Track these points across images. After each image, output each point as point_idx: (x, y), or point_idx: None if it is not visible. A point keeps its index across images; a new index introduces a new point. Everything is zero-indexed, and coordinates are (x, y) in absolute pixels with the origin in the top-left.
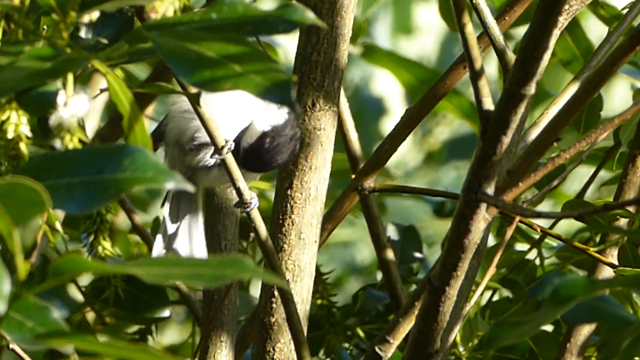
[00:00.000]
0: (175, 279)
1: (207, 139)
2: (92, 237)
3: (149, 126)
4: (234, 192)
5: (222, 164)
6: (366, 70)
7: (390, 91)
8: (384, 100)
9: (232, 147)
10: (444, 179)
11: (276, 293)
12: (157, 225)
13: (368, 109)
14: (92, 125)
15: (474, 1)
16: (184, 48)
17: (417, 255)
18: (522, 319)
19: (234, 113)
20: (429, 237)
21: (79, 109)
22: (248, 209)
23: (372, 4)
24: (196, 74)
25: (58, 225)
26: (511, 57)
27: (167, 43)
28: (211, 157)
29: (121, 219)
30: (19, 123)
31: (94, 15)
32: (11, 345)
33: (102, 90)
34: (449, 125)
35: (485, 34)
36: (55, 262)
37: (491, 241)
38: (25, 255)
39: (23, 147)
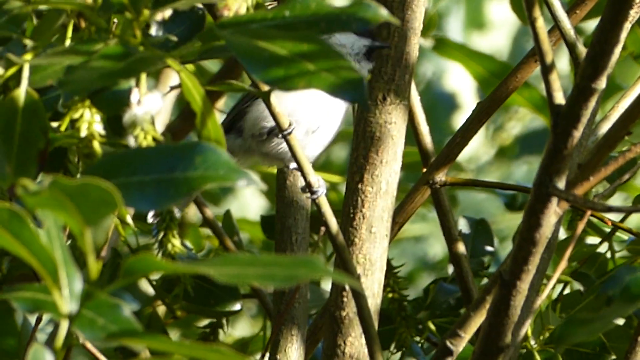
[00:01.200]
0: (247, 279)
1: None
2: (161, 235)
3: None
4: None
5: (287, 145)
6: (438, 65)
7: (463, 85)
8: (456, 94)
9: (295, 128)
10: (516, 173)
11: (347, 287)
12: (229, 218)
13: (440, 103)
14: (163, 119)
15: None
16: (257, 47)
17: (488, 248)
18: (593, 316)
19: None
20: (501, 231)
21: (152, 106)
22: (314, 196)
23: None
24: (269, 72)
25: (129, 219)
26: (582, 50)
27: (240, 42)
28: (277, 136)
29: (192, 212)
30: (92, 121)
31: (167, 13)
32: (82, 341)
33: (172, 88)
34: (521, 119)
35: (556, 28)
36: (127, 261)
37: (562, 234)
38: (96, 249)
39: (96, 145)
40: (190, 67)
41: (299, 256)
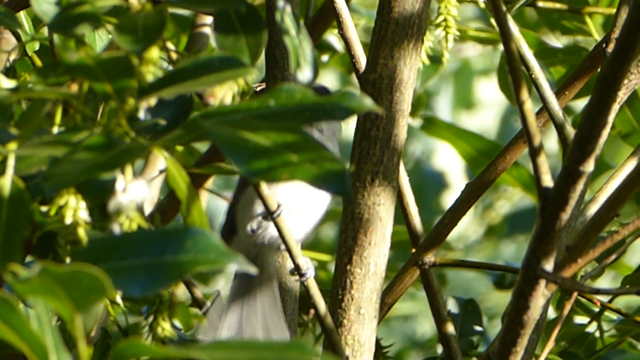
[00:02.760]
0: None
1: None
2: (151, 318)
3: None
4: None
5: (275, 227)
6: (427, 144)
7: (451, 164)
8: (444, 173)
9: (283, 211)
10: (504, 252)
11: None
12: (218, 298)
13: (429, 182)
14: (152, 198)
15: (533, 76)
16: (241, 137)
17: (478, 328)
18: None
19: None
20: (490, 310)
21: (138, 194)
22: (303, 278)
23: (430, 77)
24: (253, 163)
25: (118, 299)
26: (570, 131)
27: (224, 132)
28: (264, 219)
29: (181, 291)
30: (77, 208)
31: (152, 101)
32: None
33: (161, 172)
34: (509, 199)
35: (544, 109)
36: (117, 346)
37: (551, 313)
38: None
39: (81, 232)
40: (178, 147)
41: (290, 341)
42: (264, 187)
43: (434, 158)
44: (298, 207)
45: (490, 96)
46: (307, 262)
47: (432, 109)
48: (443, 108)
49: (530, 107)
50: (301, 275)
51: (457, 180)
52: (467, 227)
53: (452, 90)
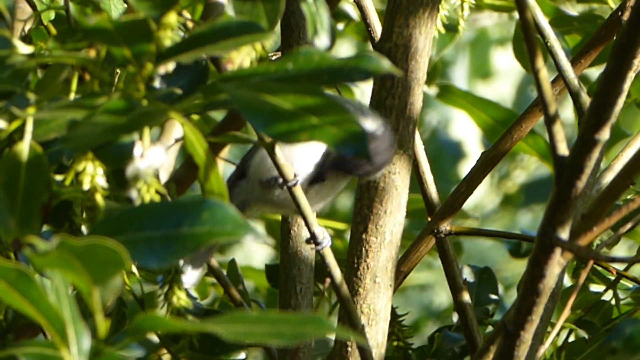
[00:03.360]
0: (255, 337)
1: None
2: (167, 288)
3: (225, 169)
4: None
5: (291, 195)
6: (444, 113)
7: (468, 134)
8: (461, 143)
9: (300, 181)
10: (521, 221)
11: (351, 337)
12: (233, 267)
13: (446, 152)
14: (168, 168)
15: (548, 44)
16: (260, 100)
17: (493, 297)
18: None
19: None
20: (507, 279)
21: (156, 160)
22: (319, 247)
23: (446, 45)
24: (272, 125)
25: (134, 268)
26: (586, 99)
27: (243, 95)
28: (280, 186)
29: None
30: (94, 174)
31: (170, 66)
32: None
33: (177, 140)
34: (526, 168)
35: (560, 77)
36: (134, 320)
37: (567, 282)
38: (104, 307)
39: (99, 198)
40: (194, 117)
41: (305, 313)
42: (280, 155)
43: (451, 128)
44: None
45: (506, 65)
46: (323, 232)
47: (449, 78)
48: (459, 77)
49: (545, 75)
50: (317, 244)
51: (473, 149)
52: (484, 196)
53: (468, 59)
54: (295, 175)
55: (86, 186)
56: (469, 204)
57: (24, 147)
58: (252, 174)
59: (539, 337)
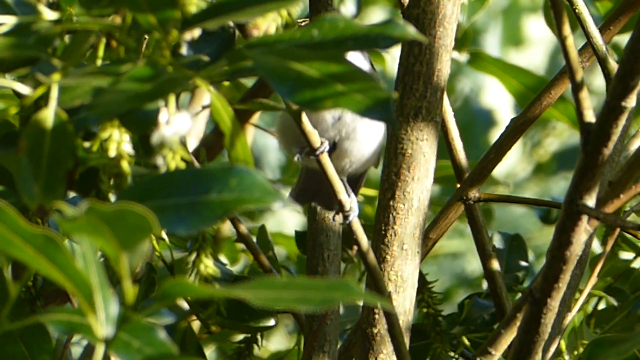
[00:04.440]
0: (283, 303)
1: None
2: (194, 255)
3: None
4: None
5: (319, 164)
6: (476, 81)
7: (500, 102)
8: (493, 111)
9: (327, 148)
10: (553, 189)
11: (379, 304)
12: (263, 233)
13: (478, 120)
14: (198, 134)
15: (576, 10)
16: (285, 67)
17: (523, 264)
18: (623, 336)
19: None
20: (538, 248)
21: (181, 127)
22: (347, 221)
23: (476, 11)
24: (297, 92)
25: (163, 234)
26: (614, 66)
27: (268, 62)
28: (308, 155)
29: (227, 227)
30: (121, 141)
31: (196, 33)
32: None
33: (204, 107)
34: (558, 136)
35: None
36: (162, 285)
37: (597, 248)
38: (132, 273)
39: (125, 165)
40: (225, 83)
41: (334, 279)
42: (307, 122)
43: (483, 95)
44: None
45: (539, 33)
46: (351, 201)
47: (482, 46)
48: (492, 45)
49: (571, 42)
50: (345, 217)
51: (505, 117)
52: (516, 164)
53: (500, 27)
54: (322, 143)
55: (112, 153)
56: (501, 172)
57: (49, 114)
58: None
59: (566, 305)
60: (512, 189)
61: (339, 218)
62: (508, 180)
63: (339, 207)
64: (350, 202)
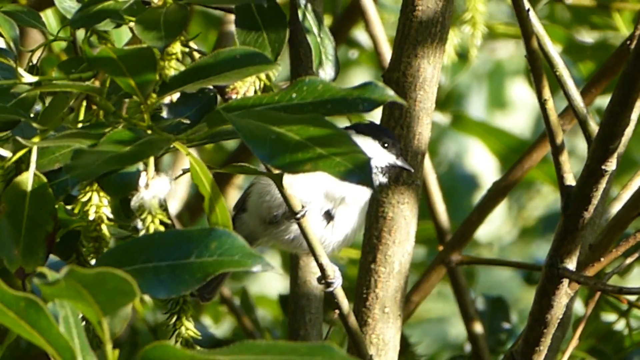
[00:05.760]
0: None
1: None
2: (174, 318)
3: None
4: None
5: (300, 229)
6: (460, 144)
7: (484, 165)
8: (478, 176)
9: (308, 212)
10: (539, 252)
11: None
12: (245, 297)
13: (462, 185)
14: (181, 197)
15: (557, 73)
16: (264, 129)
17: (506, 326)
18: None
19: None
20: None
21: (161, 190)
22: (330, 288)
23: (459, 73)
24: (276, 155)
25: (146, 297)
26: (594, 128)
27: (247, 124)
28: (288, 220)
29: None
30: (100, 205)
31: (175, 96)
32: None
33: (184, 171)
34: (543, 199)
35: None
36: (144, 350)
37: (581, 309)
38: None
39: (104, 228)
40: (208, 146)
41: (316, 343)
42: (287, 186)
43: (467, 159)
44: (325, 206)
45: (524, 96)
46: (334, 270)
47: (466, 109)
48: (477, 108)
49: (551, 105)
50: (328, 284)
51: (489, 181)
52: (501, 227)
53: (486, 90)
54: (302, 207)
55: (91, 216)
56: (486, 236)
57: (29, 177)
58: (252, 211)
59: None
60: (498, 252)
61: (323, 286)
62: (494, 243)
63: (324, 278)
64: (334, 270)
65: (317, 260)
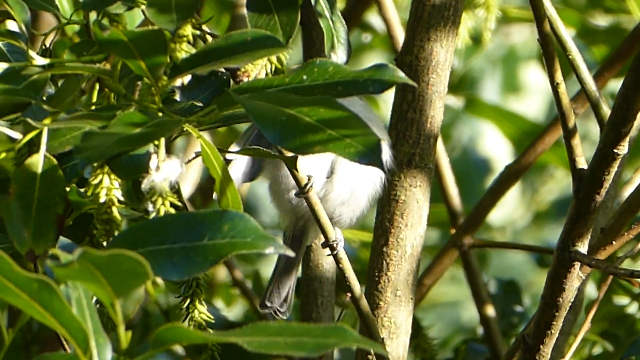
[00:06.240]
0: (277, 348)
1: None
2: (187, 301)
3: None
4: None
5: (306, 201)
6: (474, 129)
7: (498, 150)
8: (491, 160)
9: (314, 183)
10: (552, 236)
11: (372, 350)
12: (258, 279)
13: (476, 168)
14: (193, 180)
15: (570, 57)
16: (275, 111)
17: (518, 309)
18: None
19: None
20: (537, 294)
21: (171, 173)
22: (334, 252)
23: (471, 55)
24: (287, 137)
25: (159, 280)
26: (607, 112)
27: (258, 106)
28: (296, 195)
29: (224, 271)
30: (111, 187)
31: (186, 79)
32: None
33: (197, 154)
34: (557, 183)
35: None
36: (157, 331)
37: (593, 292)
38: (127, 319)
39: (115, 211)
40: (221, 129)
41: (328, 325)
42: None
43: (481, 143)
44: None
45: (538, 81)
46: (337, 234)
47: (481, 93)
48: (491, 92)
49: (564, 89)
50: (331, 246)
51: (503, 165)
52: (515, 211)
53: (500, 75)
54: (309, 179)
55: (102, 199)
56: (500, 220)
57: (39, 159)
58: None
59: (559, 350)
60: (511, 236)
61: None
62: (507, 227)
63: (327, 242)
64: (335, 232)
65: (321, 227)
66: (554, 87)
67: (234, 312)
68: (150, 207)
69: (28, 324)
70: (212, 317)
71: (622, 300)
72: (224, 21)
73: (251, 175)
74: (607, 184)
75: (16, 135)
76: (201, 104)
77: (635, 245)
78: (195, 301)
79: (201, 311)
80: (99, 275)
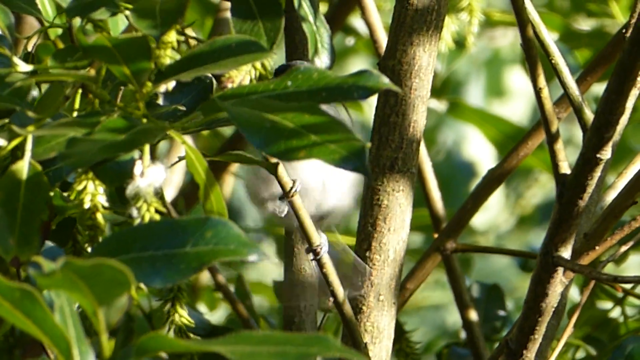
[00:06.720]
0: (260, 358)
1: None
2: (169, 305)
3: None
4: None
5: (290, 206)
6: (458, 132)
7: (482, 154)
8: (476, 164)
9: (299, 187)
10: (536, 240)
11: (355, 357)
12: (241, 284)
13: (460, 173)
14: (176, 183)
15: (553, 61)
16: (259, 117)
17: (501, 313)
18: None
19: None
20: (521, 299)
21: (156, 178)
22: (318, 256)
23: (454, 59)
24: (271, 143)
25: (142, 284)
26: (590, 116)
27: (242, 112)
28: (280, 200)
29: (207, 275)
30: (95, 193)
31: (170, 84)
32: None
33: (180, 158)
34: (541, 187)
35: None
36: (140, 340)
37: (577, 296)
38: (110, 328)
39: (99, 217)
40: (204, 133)
41: (311, 334)
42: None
43: (465, 147)
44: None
45: (522, 85)
46: (320, 238)
47: (464, 96)
48: (475, 96)
49: (547, 94)
50: (315, 253)
51: (487, 169)
52: (499, 216)
53: (484, 79)
54: (294, 182)
55: (87, 205)
56: (484, 224)
57: (24, 165)
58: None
59: (542, 355)
60: (495, 241)
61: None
62: (491, 231)
63: (310, 247)
64: (320, 237)
65: (304, 232)
66: (537, 91)
67: (216, 315)
68: (134, 213)
69: (11, 327)
70: (193, 321)
71: (605, 304)
72: (207, 24)
73: None
74: (590, 189)
75: (0, 141)
76: (184, 108)
77: (618, 250)
78: (177, 305)
79: (182, 315)
80: (82, 285)
